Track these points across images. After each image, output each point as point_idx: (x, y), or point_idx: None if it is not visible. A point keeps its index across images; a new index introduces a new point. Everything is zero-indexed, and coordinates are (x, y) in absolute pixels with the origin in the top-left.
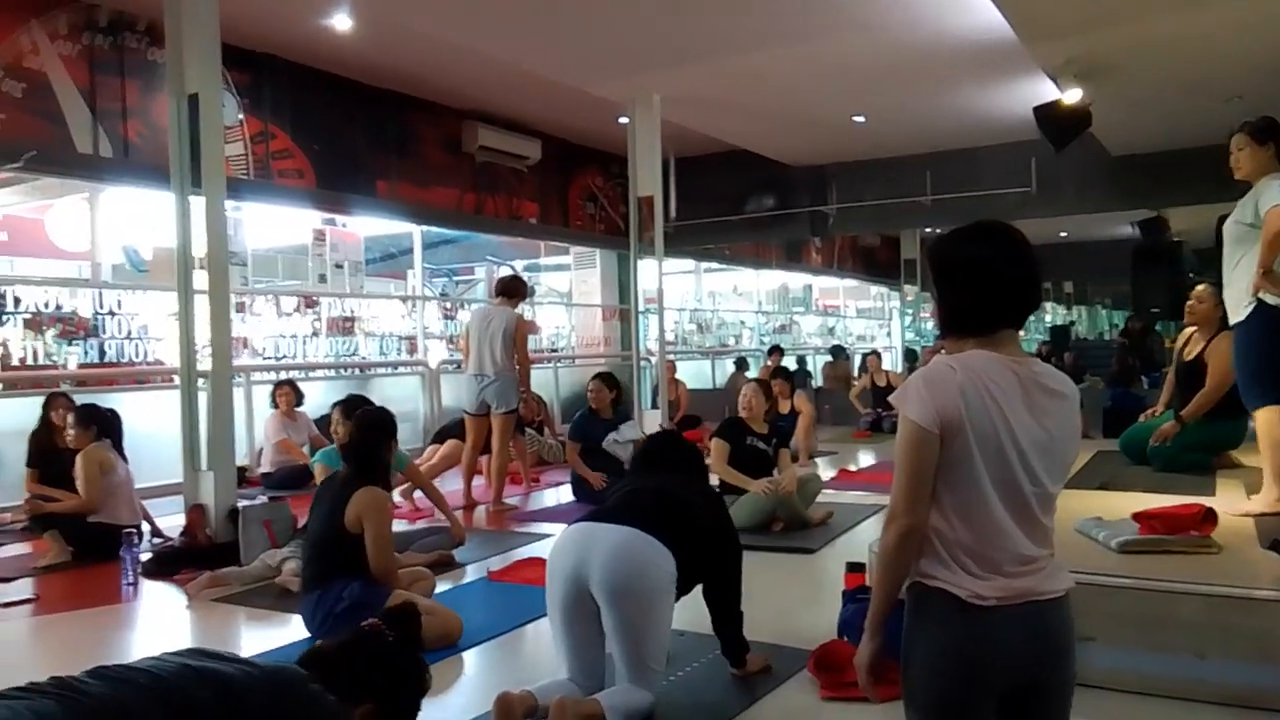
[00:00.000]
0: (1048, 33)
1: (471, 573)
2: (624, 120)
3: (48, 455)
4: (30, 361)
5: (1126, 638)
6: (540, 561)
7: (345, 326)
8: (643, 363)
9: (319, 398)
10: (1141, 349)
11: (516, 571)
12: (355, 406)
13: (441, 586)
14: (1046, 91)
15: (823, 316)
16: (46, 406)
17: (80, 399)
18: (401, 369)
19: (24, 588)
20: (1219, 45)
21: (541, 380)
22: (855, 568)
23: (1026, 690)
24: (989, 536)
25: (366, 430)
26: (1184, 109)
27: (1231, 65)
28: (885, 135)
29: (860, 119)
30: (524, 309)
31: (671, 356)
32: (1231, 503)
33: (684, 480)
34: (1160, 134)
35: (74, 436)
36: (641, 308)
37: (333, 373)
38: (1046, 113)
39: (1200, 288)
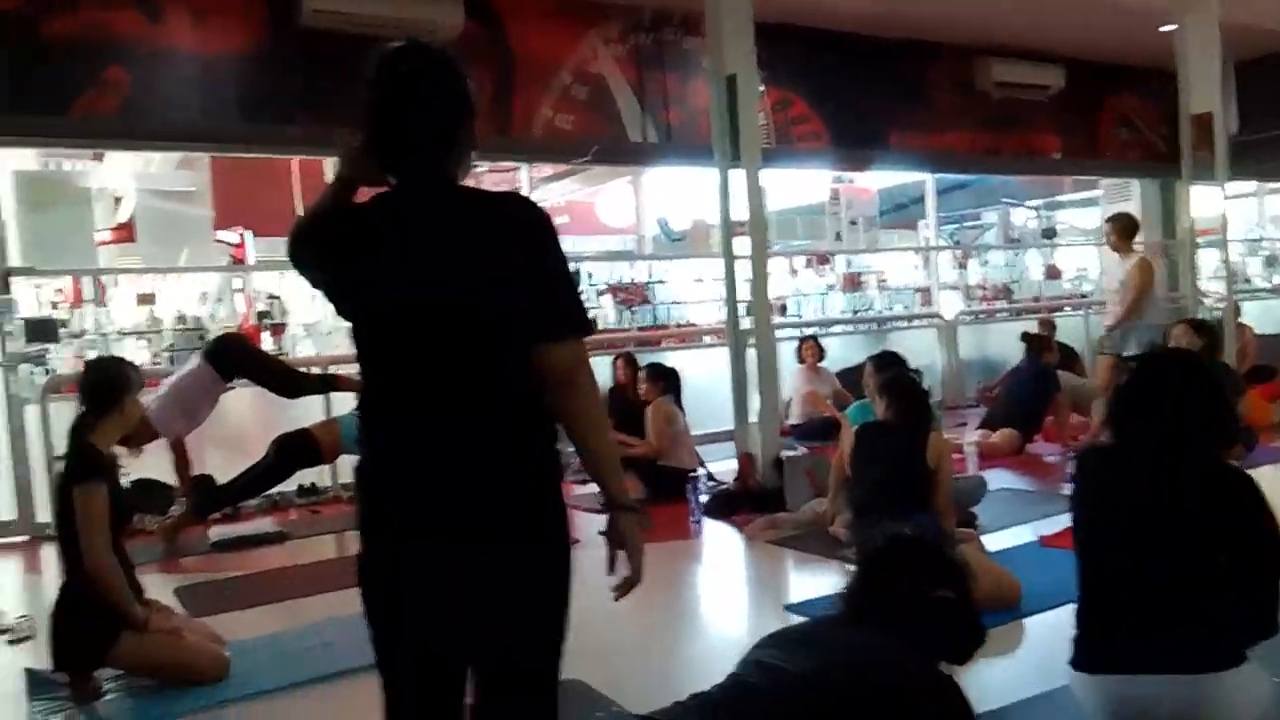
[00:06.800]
0: None
1: (1014, 536)
2: (1166, 29)
3: (621, 407)
4: (601, 326)
5: None
6: None
7: (856, 281)
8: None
9: (836, 352)
10: None
11: (1069, 538)
12: (887, 363)
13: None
14: None
15: None
16: (615, 365)
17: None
18: (916, 322)
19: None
20: None
21: (1071, 328)
22: None
23: None
24: None
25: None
26: None
27: None
28: None
29: None
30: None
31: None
32: None
33: None
34: None
35: (645, 390)
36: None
37: (850, 328)
38: None
39: None
